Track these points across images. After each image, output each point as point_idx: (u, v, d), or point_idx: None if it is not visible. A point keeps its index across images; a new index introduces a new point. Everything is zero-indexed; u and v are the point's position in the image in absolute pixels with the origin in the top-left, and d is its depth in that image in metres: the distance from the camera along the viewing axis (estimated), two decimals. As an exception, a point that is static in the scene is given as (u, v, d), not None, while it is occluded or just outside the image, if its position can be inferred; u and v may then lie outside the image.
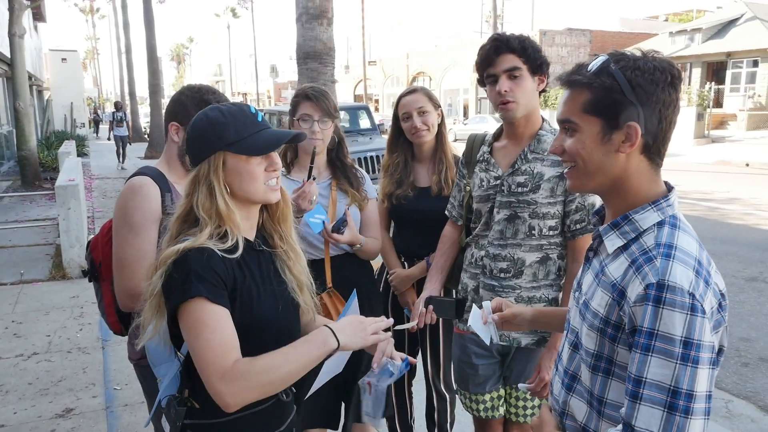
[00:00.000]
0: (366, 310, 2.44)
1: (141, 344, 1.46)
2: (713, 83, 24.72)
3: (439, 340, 2.78)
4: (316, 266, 2.31)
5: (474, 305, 1.71)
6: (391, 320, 1.55)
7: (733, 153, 18.78)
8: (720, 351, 1.16)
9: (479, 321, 1.64)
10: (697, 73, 26.97)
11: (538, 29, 31.15)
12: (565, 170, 1.32)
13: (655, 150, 1.23)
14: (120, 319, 2.02)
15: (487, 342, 1.67)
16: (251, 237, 1.49)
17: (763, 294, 5.83)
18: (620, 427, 1.14)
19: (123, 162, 17.18)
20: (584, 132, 1.23)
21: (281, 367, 1.31)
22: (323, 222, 2.27)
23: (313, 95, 2.31)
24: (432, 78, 38.97)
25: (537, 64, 2.02)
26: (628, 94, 1.17)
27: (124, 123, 17.85)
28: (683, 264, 1.12)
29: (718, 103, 25.64)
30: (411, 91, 2.66)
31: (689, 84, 26.47)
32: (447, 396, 2.88)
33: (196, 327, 1.30)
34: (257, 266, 1.47)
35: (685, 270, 1.11)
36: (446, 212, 2.39)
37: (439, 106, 2.67)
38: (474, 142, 2.31)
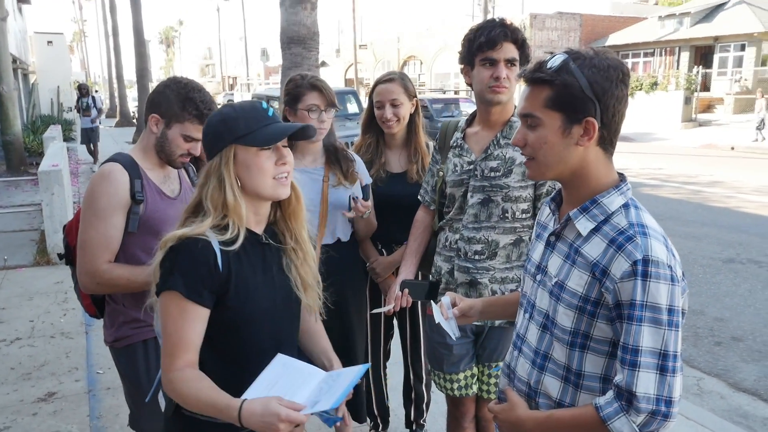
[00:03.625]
0: (351, 295, 2.54)
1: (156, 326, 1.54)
2: (701, 67, 24.78)
3: (418, 323, 2.84)
4: None
5: (432, 302, 1.74)
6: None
7: (719, 137, 18.91)
8: (683, 314, 1.28)
9: (441, 317, 1.68)
10: (685, 57, 26.97)
11: (528, 13, 30.92)
12: (524, 161, 1.41)
13: (608, 141, 1.33)
14: (94, 302, 2.06)
15: (453, 337, 1.70)
16: (259, 231, 1.52)
17: (739, 275, 5.94)
18: (610, 394, 1.25)
19: (95, 161, 13.54)
20: (546, 126, 1.31)
21: (191, 401, 1.37)
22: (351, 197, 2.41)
23: (319, 86, 2.38)
24: (423, 62, 38.75)
25: (527, 60, 2.10)
26: (587, 91, 1.26)
27: (93, 111, 13.61)
28: (657, 240, 1.24)
29: (705, 87, 25.69)
30: (388, 80, 2.65)
31: (677, 68, 26.50)
32: (424, 377, 2.94)
33: (165, 318, 1.40)
34: (260, 259, 1.50)
35: (660, 245, 1.23)
36: (419, 197, 2.43)
37: (415, 96, 2.68)
38: (447, 129, 2.34)
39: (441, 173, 2.29)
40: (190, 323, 1.38)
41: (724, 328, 4.71)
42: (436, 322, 1.66)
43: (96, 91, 30.63)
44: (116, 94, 29.98)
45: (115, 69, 28.51)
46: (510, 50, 2.05)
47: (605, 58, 1.28)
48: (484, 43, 2.04)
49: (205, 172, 1.45)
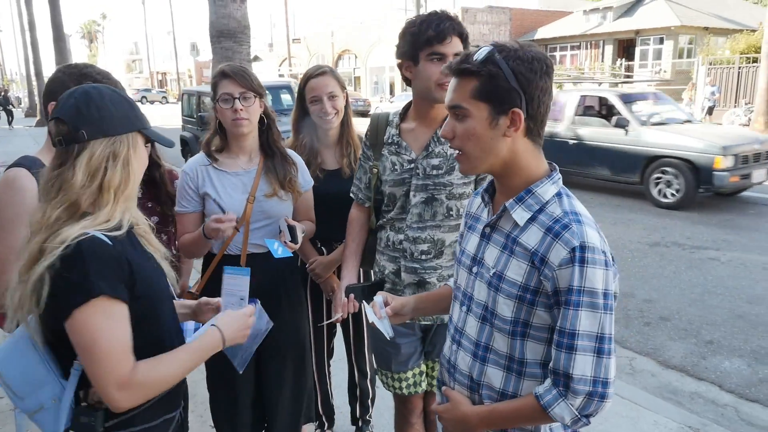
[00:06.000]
0: (288, 305, 2.36)
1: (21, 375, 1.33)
2: (624, 59, 25.90)
3: (361, 320, 2.81)
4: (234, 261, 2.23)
5: (364, 302, 1.70)
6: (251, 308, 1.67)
7: (643, 126, 19.78)
8: (615, 297, 1.32)
9: (374, 316, 1.65)
10: (609, 49, 28.11)
11: (460, 7, 31.38)
12: (455, 154, 1.41)
13: (536, 132, 1.35)
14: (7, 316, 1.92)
15: (387, 336, 1.68)
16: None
17: (664, 258, 6.25)
18: (548, 381, 1.28)
19: None
20: (474, 117, 1.32)
21: (177, 373, 1.37)
22: (282, 243, 2.19)
23: (230, 72, 2.17)
24: (358, 56, 38.67)
25: None
26: (512, 82, 1.28)
27: None
28: (590, 227, 1.27)
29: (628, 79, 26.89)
30: (320, 73, 2.57)
31: (602, 60, 27.61)
32: (368, 373, 2.93)
33: (93, 333, 1.24)
34: (134, 244, 1.43)
35: (593, 232, 1.26)
36: (351, 195, 2.33)
37: (345, 88, 2.64)
38: (378, 123, 2.22)
39: (375, 170, 2.19)
40: (122, 324, 1.28)
41: (652, 309, 4.95)
42: (370, 321, 1.63)
43: (3, 92, 28.21)
44: (35, 91, 28.36)
45: (34, 65, 27.00)
46: (457, 45, 1.97)
47: (529, 50, 1.31)
48: (434, 37, 1.93)
49: (106, 156, 1.30)
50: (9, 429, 3.18)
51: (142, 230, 1.49)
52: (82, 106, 1.30)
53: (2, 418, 3.28)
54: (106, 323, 1.25)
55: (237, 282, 2.02)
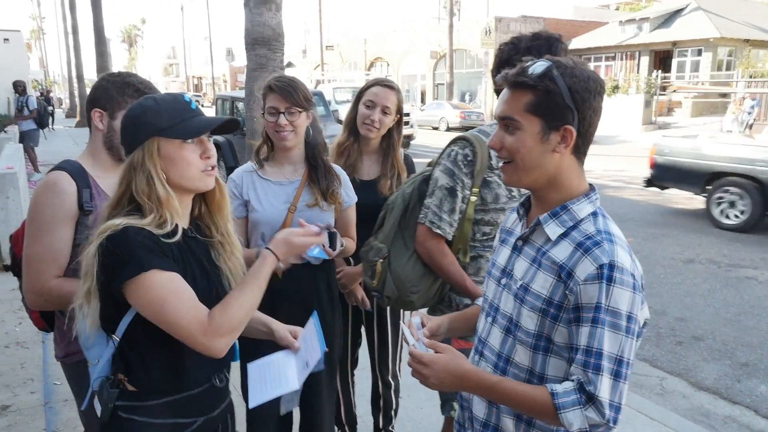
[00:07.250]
0: (322, 319, 2.22)
1: (85, 330, 1.46)
2: (660, 71, 25.46)
3: (386, 330, 2.81)
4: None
5: (402, 323, 1.67)
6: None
7: (679, 139, 19.37)
8: (644, 324, 1.30)
9: (412, 338, 1.61)
10: (645, 61, 27.67)
11: (493, 16, 31.28)
12: (500, 164, 1.41)
13: (583, 150, 1.35)
14: (42, 316, 1.97)
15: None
16: (185, 225, 1.51)
17: (699, 275, 6.09)
18: (569, 384, 1.24)
19: (35, 169, 11.38)
20: (525, 131, 1.31)
21: (248, 303, 1.43)
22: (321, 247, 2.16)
23: (277, 86, 2.19)
24: (390, 63, 38.83)
25: None
26: (567, 99, 1.27)
27: (25, 111, 11.69)
28: (622, 248, 1.26)
29: (664, 91, 26.44)
30: (388, 85, 2.60)
31: (638, 72, 27.18)
32: (392, 383, 2.92)
33: (159, 298, 1.33)
34: (191, 253, 1.49)
35: (625, 253, 1.25)
36: (428, 222, 2.08)
37: (401, 114, 2.65)
38: (481, 147, 2.03)
39: (475, 198, 2.05)
40: (184, 285, 1.37)
41: (685, 328, 4.82)
42: (411, 344, 1.58)
43: (45, 93, 29.22)
44: (76, 93, 29.20)
45: (75, 68, 27.78)
46: None
47: (585, 69, 1.30)
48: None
49: (128, 166, 1.42)
50: (39, 424, 3.26)
51: (222, 247, 1.57)
52: (122, 131, 1.49)
53: (33, 413, 3.36)
54: (168, 286, 1.34)
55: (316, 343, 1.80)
